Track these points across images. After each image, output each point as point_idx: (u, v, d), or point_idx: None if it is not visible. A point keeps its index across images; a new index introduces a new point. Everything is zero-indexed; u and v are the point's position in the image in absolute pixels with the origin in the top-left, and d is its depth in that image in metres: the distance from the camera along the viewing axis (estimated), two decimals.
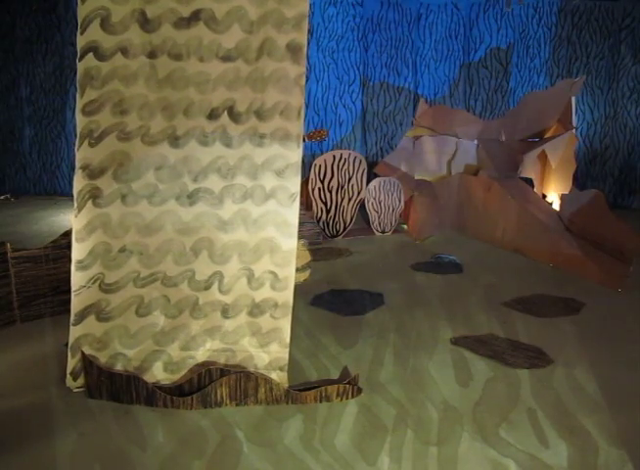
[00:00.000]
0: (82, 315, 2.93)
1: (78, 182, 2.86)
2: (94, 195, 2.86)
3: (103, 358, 2.95)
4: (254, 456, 2.48)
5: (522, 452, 2.53)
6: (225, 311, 2.99)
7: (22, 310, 3.96)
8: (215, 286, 2.96)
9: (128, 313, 2.95)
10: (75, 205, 2.88)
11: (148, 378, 2.95)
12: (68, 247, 4.06)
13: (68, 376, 3.01)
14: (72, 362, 2.98)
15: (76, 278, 2.91)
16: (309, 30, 9.60)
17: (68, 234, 4.09)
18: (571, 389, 3.15)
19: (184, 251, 2.93)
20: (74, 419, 2.75)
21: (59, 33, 10.32)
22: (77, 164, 2.86)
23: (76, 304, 2.92)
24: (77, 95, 2.86)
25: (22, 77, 10.49)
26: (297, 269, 3.18)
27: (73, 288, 2.92)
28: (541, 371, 3.37)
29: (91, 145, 2.85)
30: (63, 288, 4.08)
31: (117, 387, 2.88)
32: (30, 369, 3.28)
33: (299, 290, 3.18)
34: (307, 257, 3.35)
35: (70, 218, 3.73)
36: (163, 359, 2.99)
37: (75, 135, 2.88)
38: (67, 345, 3.49)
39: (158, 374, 2.99)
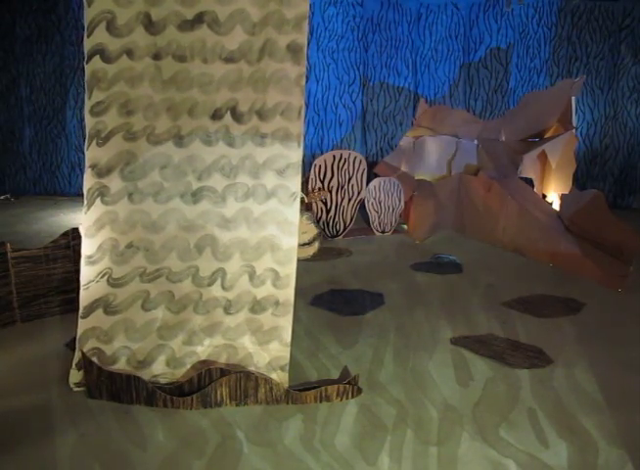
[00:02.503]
0: (90, 309, 2.98)
1: (87, 180, 2.94)
2: (102, 193, 2.93)
3: (108, 351, 2.99)
4: (254, 456, 2.49)
5: (522, 452, 2.53)
6: (227, 308, 3.02)
7: (23, 310, 3.95)
8: (218, 282, 3.01)
9: (134, 308, 3.00)
10: (85, 202, 2.95)
11: (150, 372, 2.98)
12: (68, 247, 4.08)
13: (73, 367, 3.03)
14: (79, 354, 3.00)
15: (85, 273, 2.98)
16: (309, 30, 9.60)
17: (67, 234, 4.10)
18: (571, 389, 3.15)
19: (188, 247, 2.99)
20: (75, 419, 2.76)
21: (59, 33, 10.32)
22: (87, 164, 2.94)
23: (85, 297, 2.98)
24: (85, 96, 2.93)
25: (22, 77, 10.48)
26: (305, 244, 3.19)
27: (82, 282, 2.98)
28: (541, 371, 3.37)
29: (99, 145, 2.91)
30: (63, 288, 4.09)
31: (117, 387, 2.89)
32: (30, 369, 3.28)
33: (299, 290, 3.18)
34: (314, 230, 3.31)
35: (70, 218, 3.72)
36: (166, 354, 3.02)
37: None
38: (67, 344, 3.50)
39: (160, 369, 3.02)
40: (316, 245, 3.44)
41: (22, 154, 10.71)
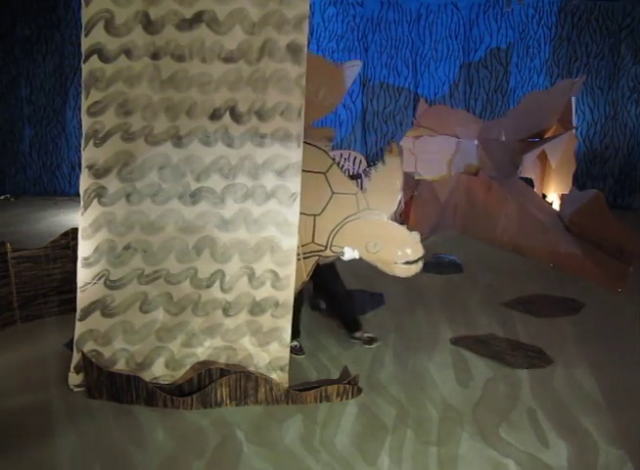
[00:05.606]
0: (88, 311, 2.95)
1: (84, 181, 2.90)
2: (99, 194, 2.90)
3: (107, 354, 2.97)
4: (254, 456, 2.48)
5: (522, 452, 2.53)
6: (226, 309, 3.00)
7: (23, 310, 3.95)
8: (217, 284, 2.98)
9: (132, 310, 2.97)
10: (82, 203, 2.91)
11: (150, 374, 2.97)
12: (68, 247, 4.07)
13: (71, 370, 3.02)
14: (77, 357, 2.99)
15: (82, 275, 2.95)
16: (309, 30, 9.61)
17: (67, 234, 4.09)
18: (570, 389, 3.15)
19: (187, 249, 2.96)
20: (74, 419, 2.75)
21: (59, 33, 10.32)
22: (83, 164, 2.90)
23: (82, 299, 2.95)
24: (82, 96, 2.89)
25: (22, 77, 10.49)
26: (412, 262, 3.12)
27: (79, 284, 2.95)
28: (541, 371, 3.36)
29: (96, 145, 2.88)
30: (63, 288, 4.09)
31: (117, 387, 2.88)
32: (30, 369, 3.28)
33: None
34: (421, 250, 3.21)
35: (70, 218, 3.72)
36: (165, 356, 3.00)
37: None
38: (67, 345, 3.49)
39: (159, 371, 3.00)
40: (420, 264, 3.23)
41: (22, 154, 10.71)
